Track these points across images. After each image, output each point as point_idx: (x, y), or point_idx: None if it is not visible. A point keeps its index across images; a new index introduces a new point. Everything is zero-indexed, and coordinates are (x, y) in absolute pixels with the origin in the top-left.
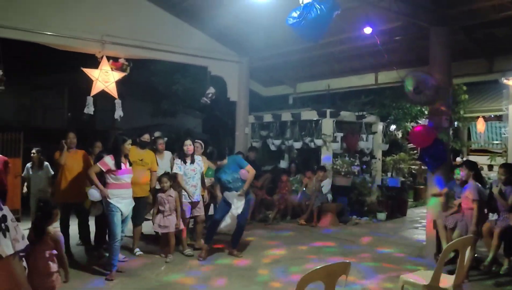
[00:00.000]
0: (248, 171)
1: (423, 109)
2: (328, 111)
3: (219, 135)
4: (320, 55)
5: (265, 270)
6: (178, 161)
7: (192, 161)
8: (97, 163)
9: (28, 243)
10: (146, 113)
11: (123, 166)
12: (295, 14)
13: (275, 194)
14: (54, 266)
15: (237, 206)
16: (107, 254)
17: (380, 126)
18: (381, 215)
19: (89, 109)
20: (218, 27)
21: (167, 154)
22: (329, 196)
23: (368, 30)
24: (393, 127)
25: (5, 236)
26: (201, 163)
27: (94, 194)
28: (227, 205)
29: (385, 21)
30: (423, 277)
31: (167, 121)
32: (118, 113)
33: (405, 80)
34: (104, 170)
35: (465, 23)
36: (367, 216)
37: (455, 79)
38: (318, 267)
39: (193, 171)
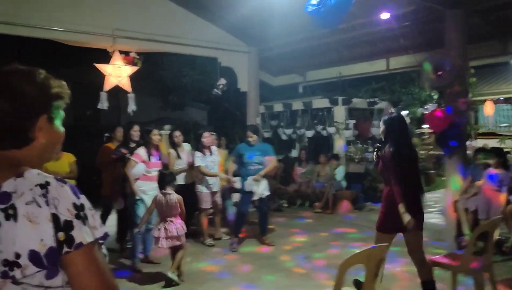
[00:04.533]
0: (271, 161)
1: (432, 94)
2: (340, 98)
3: (227, 126)
4: (330, 42)
5: (288, 257)
6: (198, 154)
7: (211, 153)
8: (131, 158)
9: (106, 230)
10: (153, 107)
11: (152, 159)
12: (314, 1)
13: (289, 183)
14: None
15: (259, 190)
16: (130, 246)
17: None
18: None
19: (103, 105)
20: (228, 18)
21: (186, 146)
22: (343, 183)
23: (385, 15)
24: (404, 112)
25: (84, 223)
26: (217, 153)
27: (139, 169)
28: (248, 194)
29: (399, 5)
30: (452, 259)
31: (174, 114)
32: (131, 107)
33: (423, 64)
34: (138, 162)
35: (480, 6)
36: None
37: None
38: (359, 250)
39: (212, 163)
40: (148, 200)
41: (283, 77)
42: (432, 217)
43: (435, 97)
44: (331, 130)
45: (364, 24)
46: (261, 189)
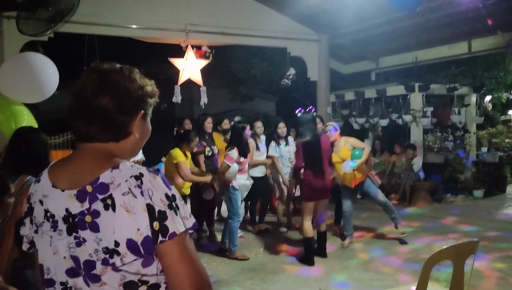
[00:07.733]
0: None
1: None
2: (416, 84)
3: (296, 116)
4: (406, 26)
5: (360, 253)
6: (273, 144)
7: (287, 143)
8: (224, 160)
9: (195, 221)
10: (223, 99)
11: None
12: None
13: None
14: None
15: None
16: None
17: (473, 98)
18: (478, 193)
19: (177, 98)
20: (297, 6)
21: (264, 138)
22: (421, 174)
23: None
24: (487, 98)
25: (176, 214)
26: (293, 144)
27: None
28: None
29: None
30: None
31: (244, 106)
32: (203, 100)
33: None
34: (231, 165)
35: None
36: (462, 194)
37: None
38: (446, 246)
39: (288, 153)
40: (244, 192)
41: (355, 65)
42: None
43: None
44: (407, 118)
45: (444, 5)
46: None
